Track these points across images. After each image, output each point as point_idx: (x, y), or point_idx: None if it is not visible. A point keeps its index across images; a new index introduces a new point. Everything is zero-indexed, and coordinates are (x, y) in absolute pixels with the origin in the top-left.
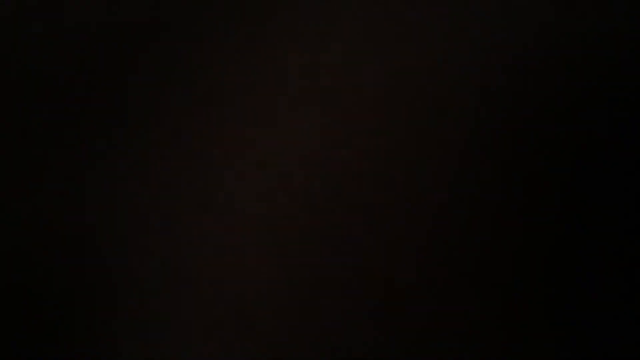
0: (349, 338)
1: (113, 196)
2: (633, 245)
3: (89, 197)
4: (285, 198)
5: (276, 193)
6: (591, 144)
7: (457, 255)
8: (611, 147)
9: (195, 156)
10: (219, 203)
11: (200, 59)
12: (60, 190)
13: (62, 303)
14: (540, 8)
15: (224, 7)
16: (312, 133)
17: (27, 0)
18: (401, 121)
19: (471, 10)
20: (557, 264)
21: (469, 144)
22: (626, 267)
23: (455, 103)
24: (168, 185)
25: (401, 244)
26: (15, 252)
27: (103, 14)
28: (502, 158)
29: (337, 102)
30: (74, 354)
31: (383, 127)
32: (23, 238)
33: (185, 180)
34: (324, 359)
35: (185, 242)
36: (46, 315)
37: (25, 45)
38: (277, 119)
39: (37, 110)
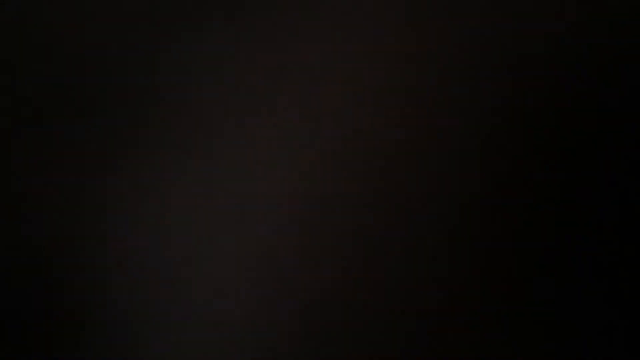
0: (350, 339)
1: (114, 196)
2: (633, 245)
3: (91, 198)
4: (285, 198)
5: (276, 193)
6: (589, 142)
7: (459, 256)
8: (611, 146)
9: (195, 156)
10: (221, 203)
11: (201, 59)
12: (63, 190)
13: (61, 303)
14: (540, 8)
15: (225, 4)
16: (310, 132)
17: (31, 5)
18: (401, 120)
19: (470, 10)
20: (555, 264)
21: (469, 144)
22: (626, 267)
23: (454, 102)
24: (168, 185)
25: (402, 244)
26: (16, 253)
27: (104, 13)
28: (500, 157)
29: (336, 101)
30: (74, 353)
31: (383, 127)
32: (24, 240)
33: (186, 180)
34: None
35: (187, 243)
36: (44, 315)
37: (32, 47)
38: (277, 118)
39: (41, 110)
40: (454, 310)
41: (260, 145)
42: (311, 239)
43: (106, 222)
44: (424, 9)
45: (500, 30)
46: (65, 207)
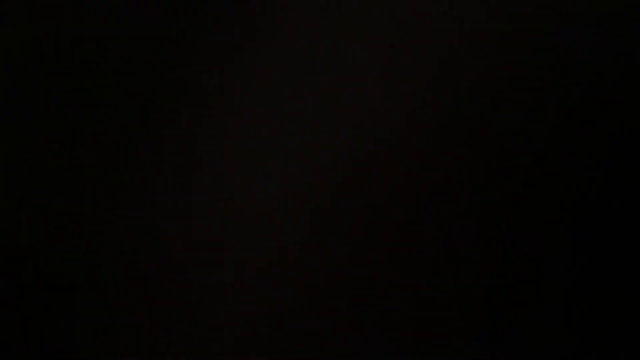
0: (349, 338)
1: (114, 196)
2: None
3: (91, 198)
4: (283, 197)
5: (276, 193)
6: (588, 140)
7: (459, 257)
8: (611, 146)
9: (195, 155)
10: (218, 203)
11: (199, 58)
12: (63, 189)
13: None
14: (541, 7)
15: (221, 6)
16: (308, 132)
17: (30, 6)
18: (399, 120)
19: (469, 8)
20: (555, 265)
21: (468, 143)
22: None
23: (453, 102)
24: (169, 184)
25: (401, 245)
26: (20, 252)
27: (102, 12)
28: (500, 157)
29: (334, 101)
30: (78, 352)
31: (381, 127)
32: (29, 238)
33: (185, 179)
34: (322, 358)
35: (186, 242)
36: (49, 313)
37: (31, 46)
38: (275, 117)
39: (40, 111)
40: (455, 310)
41: (264, 146)
42: (315, 240)
43: (107, 224)
44: (425, 9)
45: (499, 29)
46: (66, 208)
